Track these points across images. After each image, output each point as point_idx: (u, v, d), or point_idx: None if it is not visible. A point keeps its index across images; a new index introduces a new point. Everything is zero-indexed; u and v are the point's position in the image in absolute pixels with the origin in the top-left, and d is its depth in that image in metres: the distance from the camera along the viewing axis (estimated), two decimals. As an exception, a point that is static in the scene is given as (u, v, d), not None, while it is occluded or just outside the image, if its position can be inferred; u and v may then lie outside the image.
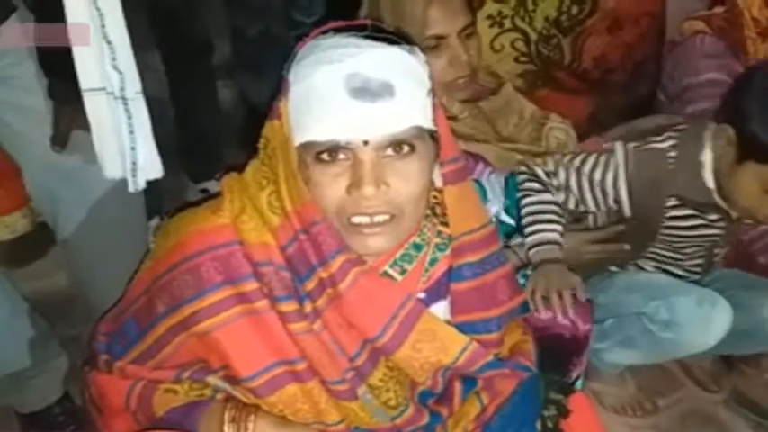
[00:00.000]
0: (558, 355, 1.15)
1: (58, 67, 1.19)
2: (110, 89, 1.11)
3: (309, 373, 0.93)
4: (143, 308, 0.98)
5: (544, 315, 1.21)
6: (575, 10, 1.75)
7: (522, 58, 1.79)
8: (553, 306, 1.25)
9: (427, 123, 0.89)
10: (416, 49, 0.91)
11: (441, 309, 1.00)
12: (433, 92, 0.91)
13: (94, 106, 1.12)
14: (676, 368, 1.74)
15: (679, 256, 1.52)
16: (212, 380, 0.96)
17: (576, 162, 1.44)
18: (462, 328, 0.99)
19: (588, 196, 1.44)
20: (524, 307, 1.11)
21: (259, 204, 0.91)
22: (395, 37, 0.90)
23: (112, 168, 1.19)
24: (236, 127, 2.27)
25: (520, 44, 1.77)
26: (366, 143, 0.85)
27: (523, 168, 1.45)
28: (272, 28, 2.08)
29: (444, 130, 0.93)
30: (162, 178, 1.23)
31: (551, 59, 1.80)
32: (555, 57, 1.80)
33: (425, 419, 1.00)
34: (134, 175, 1.18)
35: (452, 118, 1.40)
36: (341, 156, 0.86)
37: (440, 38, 1.33)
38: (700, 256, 1.53)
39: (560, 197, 1.44)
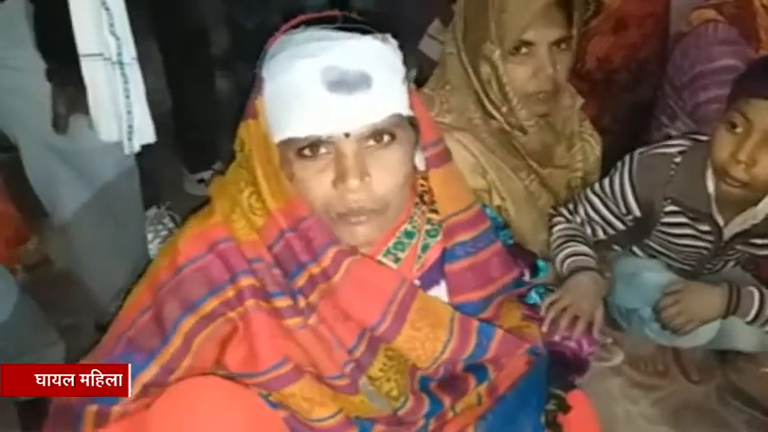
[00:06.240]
0: (559, 370, 1.14)
1: (56, 50, 1.20)
2: (107, 55, 1.14)
3: (296, 373, 0.93)
4: (147, 327, 0.92)
5: (545, 329, 1.18)
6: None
7: (526, 61, 1.79)
8: (560, 328, 1.20)
9: (405, 110, 0.89)
10: (388, 36, 0.90)
11: (435, 294, 1.01)
12: (407, 77, 0.91)
13: (91, 71, 1.15)
14: (668, 355, 1.75)
15: (670, 254, 1.54)
16: None
17: (588, 188, 1.50)
18: (462, 309, 0.99)
19: (607, 213, 1.48)
20: (517, 283, 1.11)
21: (242, 206, 0.91)
22: (366, 26, 0.89)
23: (107, 132, 1.21)
24: (234, 118, 2.27)
25: (523, 46, 1.77)
26: (347, 135, 0.85)
27: (551, 211, 1.51)
28: (270, 19, 2.08)
29: (422, 114, 0.93)
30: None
31: (555, 61, 1.80)
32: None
33: (426, 408, 1.00)
34: (130, 138, 1.21)
35: (521, 130, 1.38)
36: (323, 150, 0.86)
37: (529, 44, 1.28)
38: (689, 264, 1.54)
39: (588, 231, 1.49)
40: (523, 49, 1.29)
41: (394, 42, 0.91)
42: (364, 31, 0.88)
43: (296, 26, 0.91)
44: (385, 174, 0.88)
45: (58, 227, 1.49)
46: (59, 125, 1.27)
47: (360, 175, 0.85)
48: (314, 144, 0.85)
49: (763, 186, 1.28)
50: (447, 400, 1.02)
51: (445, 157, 0.98)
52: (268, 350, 0.91)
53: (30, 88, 1.25)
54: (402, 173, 0.90)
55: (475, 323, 0.99)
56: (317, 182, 0.87)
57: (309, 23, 0.90)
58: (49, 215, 1.49)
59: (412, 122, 0.92)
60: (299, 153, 0.86)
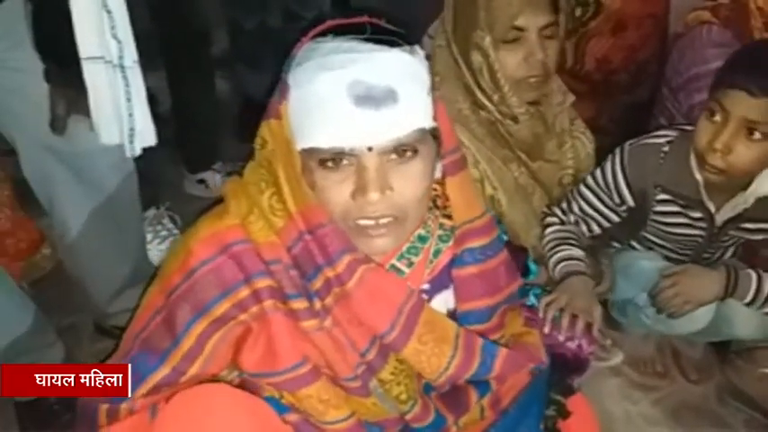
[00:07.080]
0: (559, 371, 1.14)
1: (55, 52, 1.19)
2: (108, 58, 1.13)
3: (314, 374, 0.93)
4: (159, 329, 0.93)
5: (546, 330, 1.19)
6: (579, 12, 1.75)
7: (524, 62, 1.79)
8: (561, 327, 1.22)
9: (429, 123, 0.89)
10: (417, 48, 0.90)
11: (444, 299, 1.02)
12: (433, 87, 0.91)
13: (92, 74, 1.14)
14: (667, 356, 1.75)
15: (666, 245, 1.56)
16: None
17: (580, 183, 1.53)
18: (469, 316, 1.00)
19: (600, 206, 1.50)
20: (522, 291, 1.11)
21: (261, 207, 0.91)
22: (394, 37, 0.88)
23: (108, 135, 1.21)
24: (234, 118, 2.27)
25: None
26: (370, 149, 0.85)
27: (545, 210, 1.54)
28: (270, 20, 2.08)
29: (444, 123, 0.93)
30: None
31: (554, 62, 1.80)
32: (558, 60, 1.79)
33: (431, 417, 1.00)
34: (131, 142, 1.21)
35: (513, 119, 1.40)
36: (344, 161, 0.86)
37: (520, 30, 1.32)
38: (686, 254, 1.55)
39: (583, 228, 1.51)
40: (513, 35, 1.32)
41: (421, 53, 0.90)
42: (392, 43, 0.87)
43: (323, 33, 0.90)
44: (406, 185, 0.88)
45: (57, 227, 1.49)
46: (57, 126, 1.26)
47: (380, 189, 0.85)
48: (336, 155, 0.86)
49: (739, 174, 1.31)
50: (450, 417, 1.03)
51: (461, 164, 0.98)
52: (288, 350, 0.92)
53: (29, 89, 1.25)
54: (423, 185, 0.90)
55: (479, 341, 0.99)
56: (337, 191, 0.87)
57: (337, 32, 0.89)
58: (48, 215, 1.49)
59: (434, 134, 0.92)
60: (322, 163, 0.87)
